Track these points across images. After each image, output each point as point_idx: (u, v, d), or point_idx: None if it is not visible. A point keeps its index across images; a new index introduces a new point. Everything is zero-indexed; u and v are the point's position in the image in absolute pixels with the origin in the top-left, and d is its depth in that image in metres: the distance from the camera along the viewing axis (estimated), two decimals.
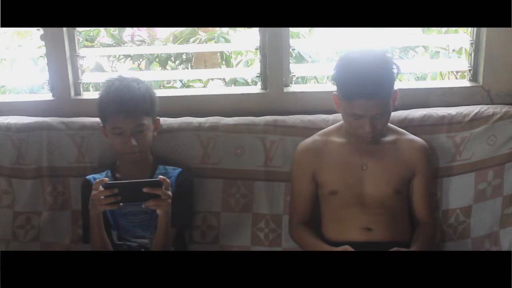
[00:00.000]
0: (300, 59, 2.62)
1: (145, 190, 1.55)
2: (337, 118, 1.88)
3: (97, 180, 1.61)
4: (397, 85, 1.74)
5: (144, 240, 1.78)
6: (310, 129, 1.87)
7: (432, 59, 2.79)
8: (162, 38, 3.23)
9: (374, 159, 1.75)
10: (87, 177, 1.82)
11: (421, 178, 1.78)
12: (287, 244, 1.88)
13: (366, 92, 1.61)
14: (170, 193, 1.60)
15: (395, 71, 1.69)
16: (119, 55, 3.07)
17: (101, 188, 1.56)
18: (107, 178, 1.62)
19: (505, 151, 1.86)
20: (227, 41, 2.81)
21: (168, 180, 1.60)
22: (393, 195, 1.74)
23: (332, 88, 1.78)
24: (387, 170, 1.75)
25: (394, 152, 1.77)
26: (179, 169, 1.82)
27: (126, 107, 1.69)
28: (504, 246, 1.86)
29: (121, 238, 1.79)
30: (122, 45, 2.97)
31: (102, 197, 1.56)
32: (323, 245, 1.71)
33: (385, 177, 1.75)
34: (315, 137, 1.82)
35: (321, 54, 2.76)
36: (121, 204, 1.58)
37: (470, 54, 2.05)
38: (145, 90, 1.76)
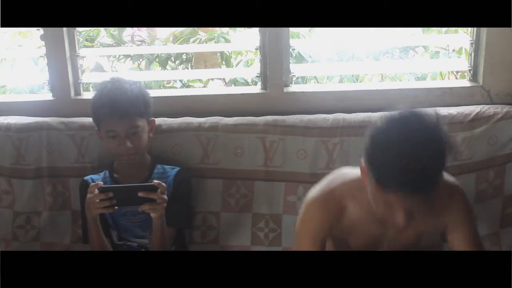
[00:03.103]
0: (300, 59, 2.62)
1: (140, 194, 1.55)
2: (337, 118, 1.88)
3: (92, 184, 1.61)
4: (398, 85, 1.73)
5: (144, 240, 1.78)
6: (310, 129, 1.87)
7: (432, 59, 2.79)
8: (162, 38, 3.23)
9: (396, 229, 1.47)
10: (85, 177, 1.81)
11: (461, 233, 1.48)
12: (287, 244, 1.88)
13: (409, 186, 1.25)
14: (165, 197, 1.60)
15: (448, 151, 1.27)
16: (119, 55, 3.07)
17: (96, 191, 1.57)
18: (101, 182, 1.61)
19: (506, 151, 1.86)
20: (227, 41, 2.81)
21: (163, 184, 1.60)
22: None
23: (332, 87, 1.77)
24: (409, 236, 1.53)
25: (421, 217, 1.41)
26: (177, 168, 1.81)
27: (119, 109, 1.68)
28: (504, 246, 1.86)
29: (121, 238, 1.80)
30: (122, 45, 2.97)
31: (97, 200, 1.56)
32: None
33: (407, 241, 1.53)
34: (331, 193, 1.49)
35: (321, 54, 2.77)
36: (116, 207, 1.59)
37: (470, 54, 2.05)
38: (138, 91, 1.74)
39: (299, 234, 1.57)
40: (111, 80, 1.78)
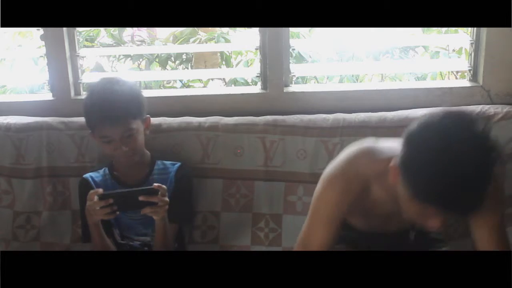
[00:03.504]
0: (300, 59, 2.62)
1: (141, 198, 1.55)
2: (338, 118, 1.88)
3: (92, 191, 1.59)
4: (398, 85, 1.73)
5: (147, 238, 1.78)
6: (310, 129, 1.87)
7: (432, 59, 2.79)
8: (162, 38, 3.23)
9: None
10: (85, 175, 1.80)
11: (487, 225, 1.36)
12: (287, 244, 1.88)
13: (451, 206, 1.15)
14: (166, 199, 1.59)
15: (496, 161, 1.15)
16: (119, 55, 3.07)
17: (96, 198, 1.56)
18: (101, 190, 1.58)
19: (507, 151, 1.86)
20: (227, 41, 2.81)
21: (164, 186, 1.59)
22: None
23: (332, 87, 1.77)
24: None
25: None
26: (178, 164, 1.80)
27: (111, 115, 1.62)
28: None
29: (123, 236, 1.79)
30: (122, 45, 2.97)
31: (98, 208, 1.55)
32: None
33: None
34: (355, 170, 1.37)
35: (321, 54, 2.77)
36: (117, 212, 1.58)
37: (470, 54, 2.05)
38: (130, 92, 1.69)
39: (313, 213, 1.41)
40: (101, 82, 1.73)
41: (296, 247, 1.49)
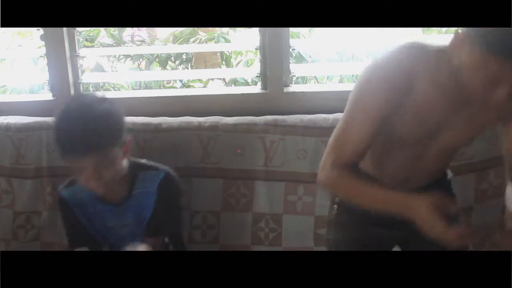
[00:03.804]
0: (300, 59, 2.62)
1: None
2: (338, 118, 1.87)
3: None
4: None
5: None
6: (310, 129, 1.87)
7: None
8: (162, 38, 3.23)
9: (466, 114, 1.28)
10: (61, 193, 1.66)
11: None
12: (287, 244, 1.88)
13: None
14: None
15: None
16: (119, 55, 3.07)
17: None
18: None
19: None
20: (227, 41, 2.81)
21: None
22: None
23: (332, 87, 1.77)
24: (473, 129, 1.33)
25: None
26: (162, 174, 1.63)
27: (84, 145, 1.42)
28: (505, 246, 1.86)
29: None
30: (122, 45, 2.97)
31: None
32: (391, 193, 1.24)
33: (468, 135, 1.34)
34: (401, 62, 1.24)
35: (321, 54, 2.77)
36: None
37: None
38: (106, 116, 1.48)
39: (350, 109, 1.29)
40: (72, 104, 1.52)
41: (328, 148, 1.35)
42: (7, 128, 1.94)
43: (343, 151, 1.30)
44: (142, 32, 3.38)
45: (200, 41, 2.90)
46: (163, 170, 1.65)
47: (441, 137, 1.31)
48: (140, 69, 3.06)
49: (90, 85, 2.76)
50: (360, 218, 1.47)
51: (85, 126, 1.43)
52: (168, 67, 3.03)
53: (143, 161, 1.70)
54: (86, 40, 2.92)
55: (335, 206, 1.60)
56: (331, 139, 1.34)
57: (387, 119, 1.26)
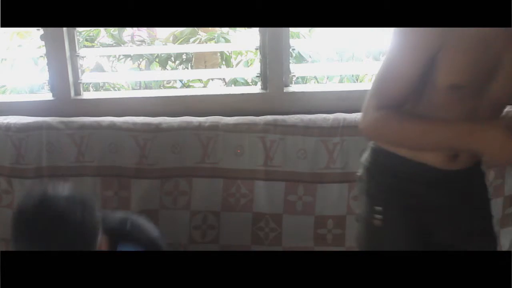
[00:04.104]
0: (300, 59, 2.62)
1: None
2: (338, 118, 1.88)
3: None
4: None
5: None
6: (310, 129, 1.87)
7: None
8: (162, 38, 3.23)
9: None
10: None
11: None
12: (287, 244, 1.88)
13: None
14: None
15: None
16: (119, 55, 3.07)
17: None
18: None
19: None
20: (227, 41, 2.81)
21: None
22: None
23: (332, 87, 1.77)
24: None
25: None
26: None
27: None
28: (504, 246, 1.86)
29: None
30: (122, 45, 2.97)
31: None
32: (453, 123, 1.12)
33: None
34: None
35: (321, 54, 2.77)
36: None
37: None
38: (73, 220, 1.34)
39: (396, 46, 1.20)
40: (34, 204, 1.34)
41: (370, 91, 1.26)
42: (7, 128, 1.94)
43: (388, 90, 1.19)
44: (142, 32, 3.38)
45: (200, 41, 2.90)
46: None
47: (495, 83, 1.19)
48: (140, 69, 3.06)
49: (90, 85, 2.77)
50: (408, 225, 1.36)
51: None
52: (168, 67, 3.03)
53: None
54: (86, 40, 2.92)
55: (377, 215, 1.40)
56: (373, 82, 1.23)
57: (437, 63, 1.14)
